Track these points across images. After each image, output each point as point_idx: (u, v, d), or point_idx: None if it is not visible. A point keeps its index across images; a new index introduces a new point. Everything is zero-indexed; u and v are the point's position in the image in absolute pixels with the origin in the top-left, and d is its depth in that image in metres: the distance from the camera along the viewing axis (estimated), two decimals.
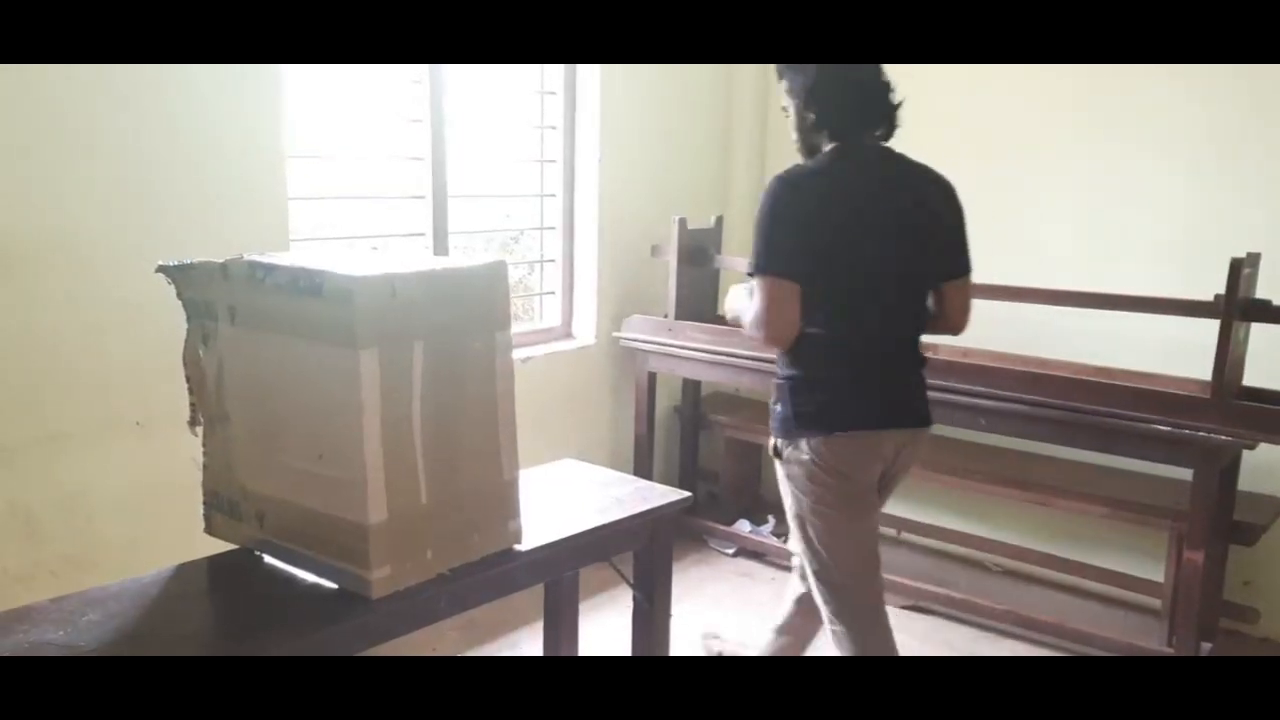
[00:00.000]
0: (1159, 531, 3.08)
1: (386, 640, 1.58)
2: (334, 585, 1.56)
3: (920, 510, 3.78)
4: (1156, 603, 3.19)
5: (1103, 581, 3.35)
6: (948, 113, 3.62)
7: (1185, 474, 2.78)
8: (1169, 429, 2.60)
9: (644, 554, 2.05)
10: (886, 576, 3.22)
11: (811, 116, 2.11)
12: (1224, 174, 3.13)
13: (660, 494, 2.08)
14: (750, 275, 2.04)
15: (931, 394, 2.90)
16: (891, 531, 3.84)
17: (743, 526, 3.71)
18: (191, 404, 1.67)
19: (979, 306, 3.34)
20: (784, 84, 2.17)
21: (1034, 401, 2.79)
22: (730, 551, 3.67)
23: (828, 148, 2.12)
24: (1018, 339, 3.32)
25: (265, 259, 1.54)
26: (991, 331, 3.38)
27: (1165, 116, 3.20)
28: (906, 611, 3.28)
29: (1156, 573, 3.22)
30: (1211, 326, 2.62)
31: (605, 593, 3.00)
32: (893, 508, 3.81)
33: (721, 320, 3.66)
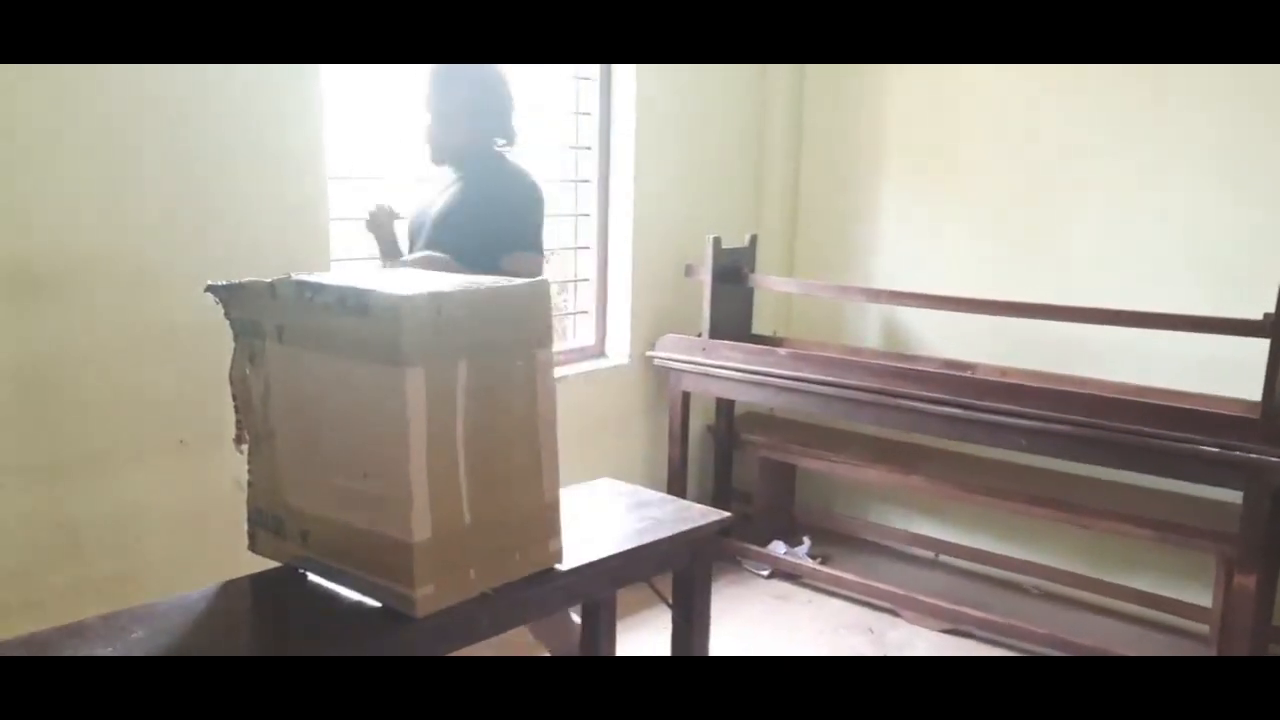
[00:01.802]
0: (1204, 555, 3.02)
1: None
2: (377, 603, 1.57)
3: (958, 532, 3.74)
4: (1202, 627, 3.13)
5: (1146, 605, 3.29)
6: (982, 125, 3.61)
7: (1229, 495, 2.73)
8: (1216, 450, 2.55)
9: (683, 575, 2.03)
10: (925, 599, 3.22)
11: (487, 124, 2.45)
12: (1262, 190, 3.09)
13: (699, 514, 2.07)
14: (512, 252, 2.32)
15: (970, 414, 2.91)
16: (929, 554, 3.80)
17: (777, 548, 3.68)
18: (238, 422, 1.69)
19: (1014, 325, 3.34)
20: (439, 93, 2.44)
21: (1075, 422, 2.75)
22: (765, 573, 3.65)
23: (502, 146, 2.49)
24: (1056, 358, 3.29)
25: (313, 278, 1.56)
26: (1030, 350, 3.37)
27: (1203, 131, 3.17)
28: (945, 635, 3.24)
29: (1201, 596, 3.16)
30: (1251, 344, 2.58)
31: (640, 613, 2.98)
32: (930, 529, 3.80)
33: (757, 339, 3.67)
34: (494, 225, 2.35)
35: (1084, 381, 3.07)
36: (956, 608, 3.19)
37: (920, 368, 3.19)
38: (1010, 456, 3.32)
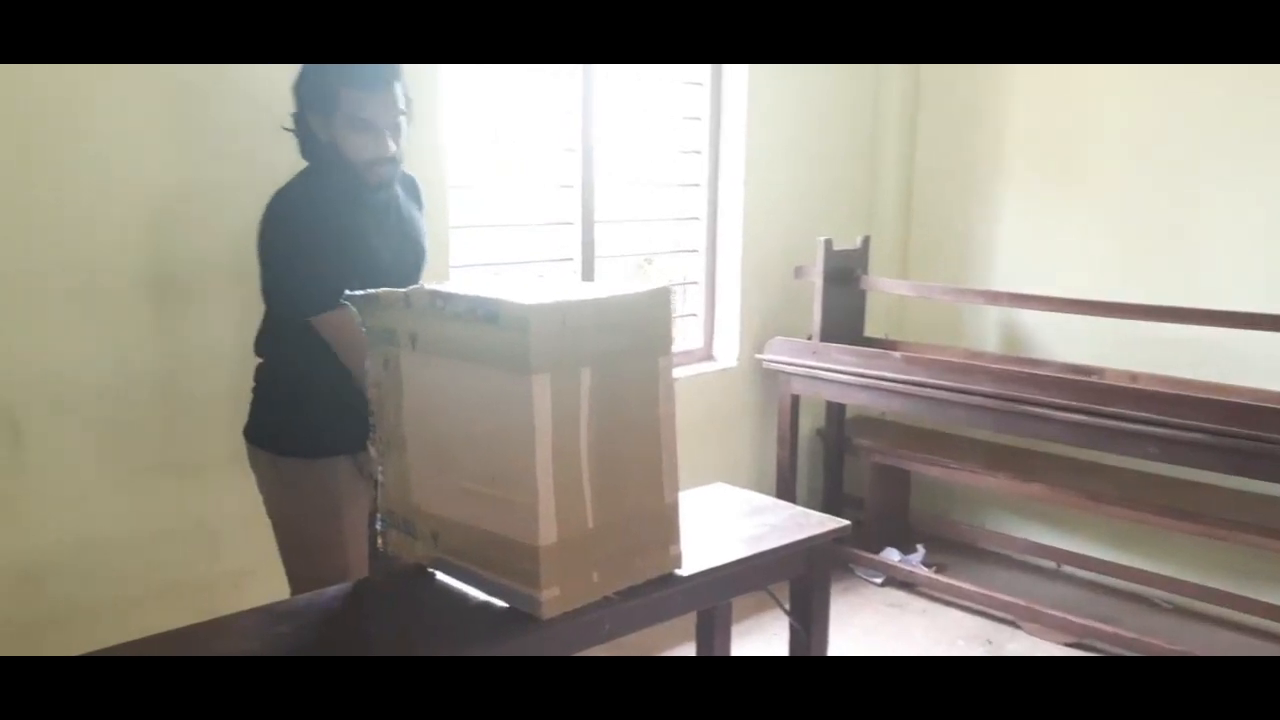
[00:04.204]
0: None
1: None
2: (504, 604, 1.60)
3: (1082, 542, 3.61)
4: None
5: None
6: (1105, 123, 3.48)
7: None
8: None
9: (802, 583, 2.02)
10: (1049, 611, 3.12)
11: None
12: None
13: (817, 521, 2.05)
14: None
15: (1098, 421, 2.80)
16: (1050, 564, 3.68)
17: (891, 555, 3.62)
18: (371, 425, 1.75)
19: (1140, 328, 3.20)
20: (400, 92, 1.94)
21: (1211, 429, 2.62)
22: (878, 580, 3.59)
23: None
24: (1186, 362, 3.15)
25: (445, 288, 1.61)
26: (1157, 354, 3.23)
27: None
28: (1070, 649, 3.12)
29: None
30: None
31: (752, 618, 2.97)
32: (1052, 538, 3.67)
33: (869, 342, 3.62)
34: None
35: (1217, 387, 2.92)
36: (1084, 621, 3.07)
37: (1043, 372, 3.09)
38: (1138, 465, 3.19)
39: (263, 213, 1.92)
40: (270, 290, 1.96)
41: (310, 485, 1.99)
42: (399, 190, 2.06)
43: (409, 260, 2.08)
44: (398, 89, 1.92)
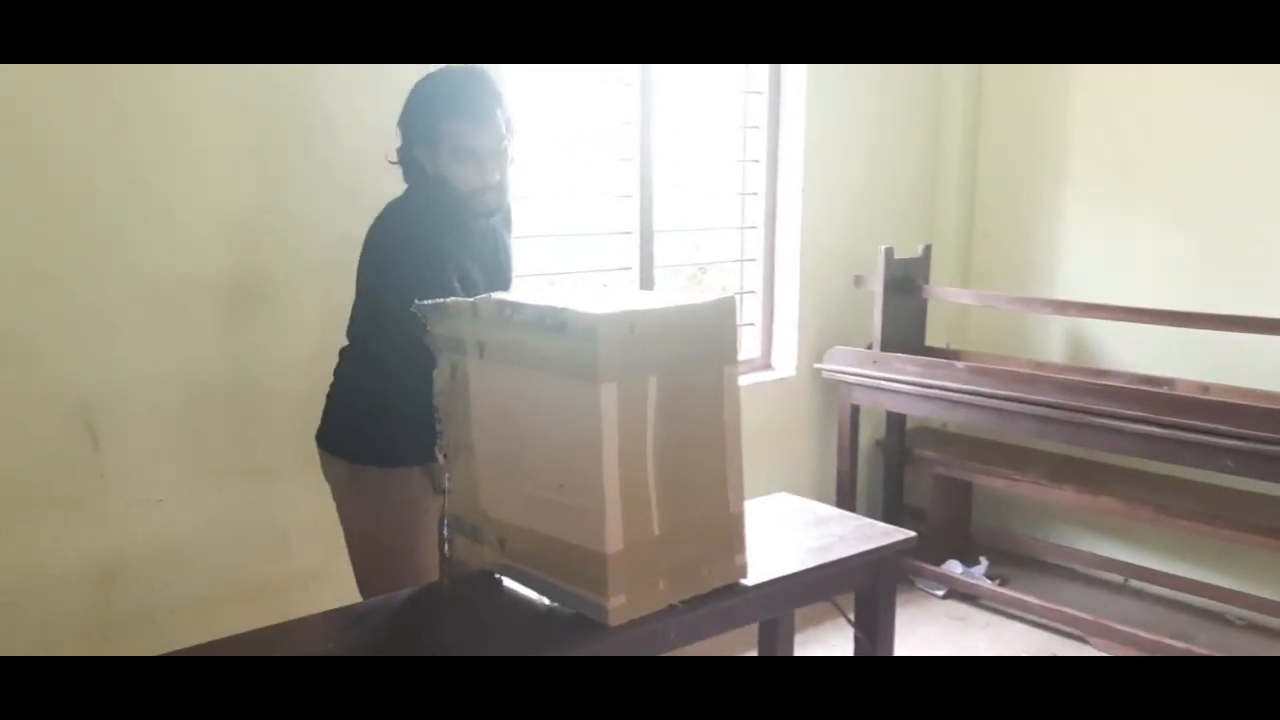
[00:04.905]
0: None
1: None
2: (570, 610, 1.61)
3: (1150, 556, 3.52)
4: None
5: None
6: (1177, 126, 3.40)
7: None
8: None
9: (867, 595, 2.00)
10: (1118, 626, 3.04)
11: None
12: None
13: (882, 532, 2.04)
14: None
15: (1171, 433, 2.73)
16: (1118, 578, 3.60)
17: (953, 567, 3.57)
18: (439, 433, 1.78)
19: (1212, 338, 3.12)
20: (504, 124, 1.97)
21: None
22: (940, 593, 3.54)
23: None
24: (1261, 373, 3.06)
25: (512, 298, 1.63)
26: (1231, 365, 3.14)
27: None
28: None
29: None
30: None
31: (813, 628, 2.95)
32: (1119, 552, 3.59)
33: (930, 351, 3.57)
34: None
35: None
36: (1154, 637, 3.00)
37: (1112, 383, 3.02)
38: (1213, 478, 3.10)
39: (374, 223, 2.00)
40: (383, 294, 1.96)
41: (385, 493, 2.02)
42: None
43: (505, 279, 2.13)
44: (499, 116, 1.95)
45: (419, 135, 1.95)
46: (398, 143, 2.01)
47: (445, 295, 1.79)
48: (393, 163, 2.02)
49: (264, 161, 2.34)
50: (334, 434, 2.10)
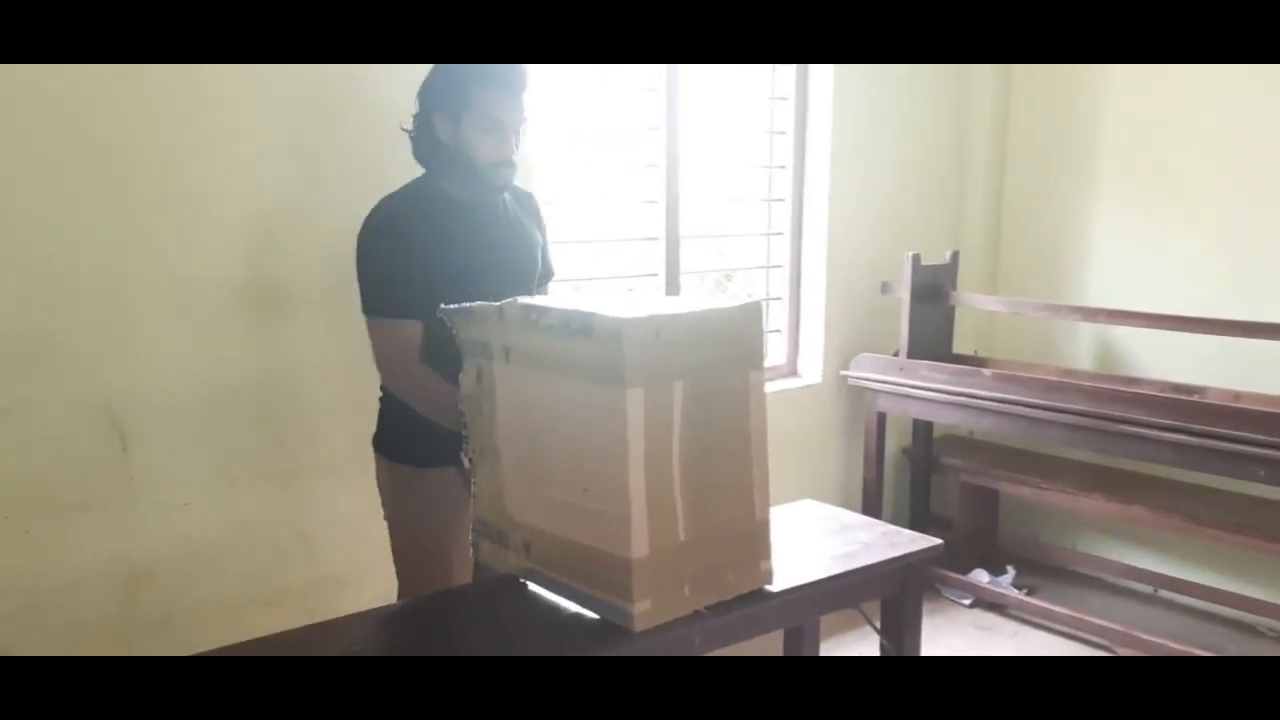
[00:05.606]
0: None
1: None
2: (595, 616, 1.61)
3: (1180, 566, 3.47)
4: None
5: None
6: (1208, 129, 3.36)
7: None
8: None
9: (893, 602, 1.99)
10: (1147, 636, 3.00)
11: None
12: None
13: (909, 540, 2.02)
14: None
15: (1202, 442, 2.70)
16: (1146, 588, 3.55)
17: (980, 576, 3.53)
18: (465, 437, 1.78)
19: (1244, 346, 3.07)
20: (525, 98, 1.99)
21: None
22: (966, 602, 3.50)
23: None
24: None
25: (538, 302, 1.63)
26: (1263, 373, 3.09)
27: None
28: None
29: None
30: None
31: (838, 636, 2.93)
32: (1148, 562, 3.54)
33: (957, 359, 3.54)
34: None
35: None
36: (1183, 648, 2.95)
37: (1142, 391, 2.99)
38: (1242, 487, 3.06)
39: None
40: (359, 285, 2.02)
41: (420, 492, 2.04)
42: (507, 198, 2.11)
43: (524, 266, 2.12)
44: (525, 96, 1.97)
45: (443, 102, 1.95)
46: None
47: (404, 287, 1.86)
48: (405, 130, 2.03)
49: (294, 163, 2.35)
50: (378, 433, 2.14)
